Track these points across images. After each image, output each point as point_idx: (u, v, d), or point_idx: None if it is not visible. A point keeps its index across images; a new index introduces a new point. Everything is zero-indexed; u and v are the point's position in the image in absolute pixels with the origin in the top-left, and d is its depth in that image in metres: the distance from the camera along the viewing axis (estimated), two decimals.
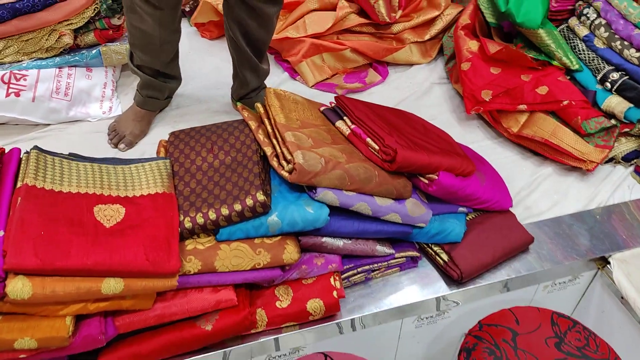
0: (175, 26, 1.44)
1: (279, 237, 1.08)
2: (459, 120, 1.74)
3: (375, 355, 1.32)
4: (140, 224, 0.98)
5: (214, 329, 1.05)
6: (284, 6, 1.93)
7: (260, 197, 1.02)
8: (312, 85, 1.83)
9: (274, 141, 1.15)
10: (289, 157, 1.08)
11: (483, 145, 1.64)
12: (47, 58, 1.63)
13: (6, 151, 1.11)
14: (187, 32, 1.99)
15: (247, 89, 1.59)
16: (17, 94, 1.57)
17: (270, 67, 1.62)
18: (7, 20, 1.54)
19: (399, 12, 1.86)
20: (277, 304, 1.12)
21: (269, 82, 1.81)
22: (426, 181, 1.20)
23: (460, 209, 1.28)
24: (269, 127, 1.19)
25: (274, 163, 1.11)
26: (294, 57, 1.84)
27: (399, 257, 1.23)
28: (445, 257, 1.24)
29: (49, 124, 1.64)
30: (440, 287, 1.23)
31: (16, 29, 1.56)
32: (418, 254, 1.25)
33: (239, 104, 1.28)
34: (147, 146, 1.59)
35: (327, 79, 1.85)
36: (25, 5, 1.54)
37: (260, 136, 1.17)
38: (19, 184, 0.99)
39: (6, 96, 1.56)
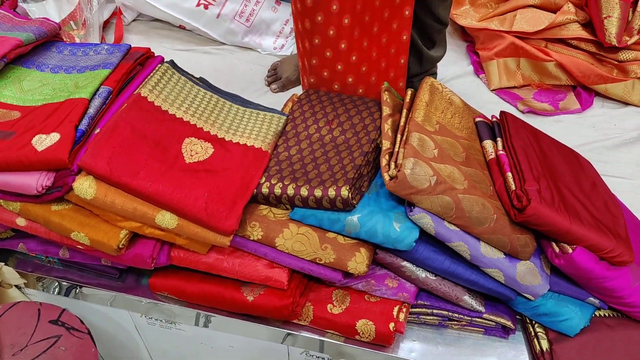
0: None
1: (354, 241, 0.96)
2: None
3: None
4: (217, 172, 0.94)
5: (254, 302, 0.99)
6: None
7: (344, 192, 0.90)
8: (494, 90, 1.59)
9: (398, 137, 1.01)
10: (400, 160, 0.93)
11: None
12: None
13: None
14: None
15: (408, 73, 1.43)
16: (206, 7, 1.63)
17: (445, 53, 1.43)
18: None
19: (635, 38, 1.49)
20: (329, 307, 1.01)
21: (448, 70, 1.63)
22: (556, 250, 0.96)
23: (591, 299, 1.01)
24: (402, 120, 1.05)
25: (383, 160, 0.97)
26: (486, 52, 1.61)
27: (488, 320, 1.02)
28: (545, 345, 1.00)
29: (224, 44, 1.69)
30: None
31: None
32: (513, 326, 1.02)
33: (385, 84, 1.15)
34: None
35: (514, 87, 1.59)
36: None
37: (386, 126, 1.03)
38: (136, 91, 1.01)
39: (196, 5, 1.63)
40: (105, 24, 1.71)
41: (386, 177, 0.93)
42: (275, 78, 1.57)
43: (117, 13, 1.71)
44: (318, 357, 1.11)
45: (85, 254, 1.05)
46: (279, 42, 1.69)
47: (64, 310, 1.08)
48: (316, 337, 1.04)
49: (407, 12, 1.15)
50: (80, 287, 1.13)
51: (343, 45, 1.13)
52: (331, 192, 0.91)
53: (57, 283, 1.15)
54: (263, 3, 1.67)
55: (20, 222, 0.96)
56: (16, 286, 1.16)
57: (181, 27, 1.71)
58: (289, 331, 1.04)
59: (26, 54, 1.09)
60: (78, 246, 0.97)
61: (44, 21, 1.13)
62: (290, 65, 1.57)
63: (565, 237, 0.94)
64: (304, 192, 0.93)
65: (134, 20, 1.75)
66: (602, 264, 0.96)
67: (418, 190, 0.90)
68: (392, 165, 0.94)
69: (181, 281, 1.04)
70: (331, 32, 1.11)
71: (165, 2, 1.63)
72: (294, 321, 1.03)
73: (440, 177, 0.92)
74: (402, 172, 0.89)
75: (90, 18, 1.60)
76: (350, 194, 0.90)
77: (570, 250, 0.93)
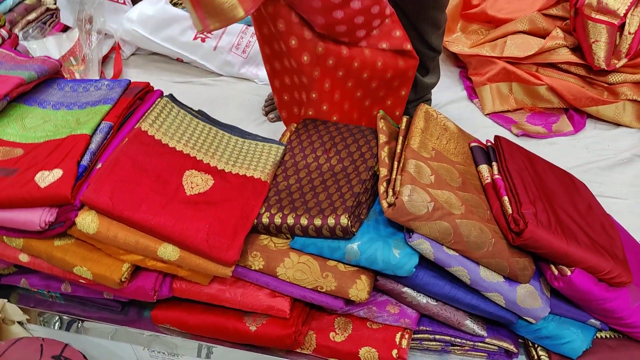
0: None
1: (355, 268, 0.96)
2: None
3: None
4: (217, 203, 0.95)
5: (256, 332, 0.99)
6: (490, 20, 1.73)
7: (344, 220, 0.91)
8: (487, 114, 1.61)
9: (395, 164, 1.02)
10: (397, 187, 0.95)
11: None
12: None
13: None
14: None
15: None
16: (203, 40, 1.67)
17: (439, 79, 1.46)
18: None
19: (623, 61, 1.52)
20: (331, 335, 1.01)
21: (442, 96, 1.65)
22: (555, 272, 0.96)
23: (592, 320, 1.01)
24: (399, 147, 1.07)
25: (381, 187, 0.98)
26: (478, 77, 1.64)
27: (490, 344, 1.03)
28: None
29: (221, 75, 1.72)
30: None
31: None
32: (515, 350, 1.03)
33: (380, 112, 1.17)
34: None
35: (507, 111, 1.62)
36: None
37: (383, 154, 1.05)
38: (136, 125, 1.03)
39: (194, 39, 1.67)
40: (105, 59, 1.74)
41: (384, 204, 0.94)
42: (273, 107, 1.59)
43: (115, 48, 1.74)
44: None
45: (88, 288, 1.06)
46: None
47: (66, 345, 1.07)
48: None
49: (403, 93, 1.19)
50: (82, 321, 1.13)
51: (335, 118, 1.20)
52: (330, 221, 0.92)
53: (58, 318, 1.15)
54: None
55: (23, 258, 0.97)
56: (18, 322, 1.15)
57: (179, 60, 1.75)
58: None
59: (28, 92, 1.10)
60: (81, 280, 0.97)
61: (45, 59, 1.16)
62: None
63: (563, 260, 0.95)
64: (303, 221, 0.94)
65: (132, 54, 1.79)
66: (601, 285, 0.96)
67: (416, 216, 0.91)
68: (390, 192, 0.96)
69: (183, 313, 1.04)
70: (325, 108, 1.18)
71: (164, 37, 1.67)
72: (297, 350, 1.03)
73: (437, 203, 0.93)
74: (399, 199, 0.91)
75: (89, 54, 1.63)
76: (349, 222, 0.92)
77: (568, 273, 0.94)
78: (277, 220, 0.96)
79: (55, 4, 1.72)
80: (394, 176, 1.00)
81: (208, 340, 1.06)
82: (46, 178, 0.89)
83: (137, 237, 0.90)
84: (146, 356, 1.18)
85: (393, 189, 0.96)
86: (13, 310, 1.12)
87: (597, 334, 1.03)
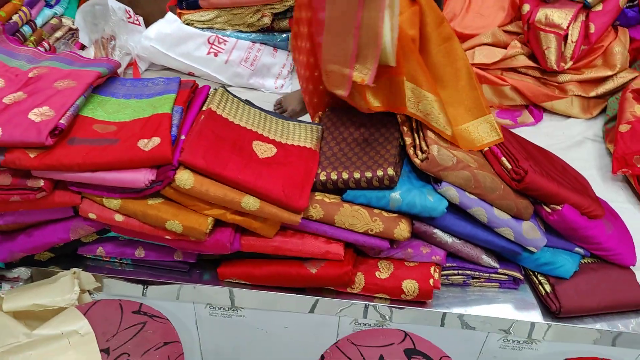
0: None
1: (396, 214, 1.18)
2: (604, 179, 1.71)
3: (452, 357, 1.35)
4: (285, 164, 1.15)
5: (317, 273, 1.18)
6: (459, 36, 2.05)
7: (390, 171, 1.14)
8: None
9: (415, 135, 1.27)
10: (424, 148, 1.19)
11: (623, 207, 1.58)
12: (245, 32, 1.93)
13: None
14: None
15: None
16: (215, 55, 1.88)
17: None
18: None
19: (569, 64, 1.88)
20: (377, 273, 1.22)
21: None
22: (549, 210, 1.23)
23: (577, 249, 1.28)
24: (414, 124, 1.31)
25: (410, 151, 1.22)
26: None
27: (502, 274, 1.27)
28: (548, 288, 1.25)
29: (230, 85, 1.93)
30: (535, 316, 1.24)
31: (231, 2, 1.87)
32: (521, 277, 1.27)
33: None
34: None
35: None
36: None
37: (405, 128, 1.29)
38: (204, 108, 1.22)
39: (207, 54, 1.87)
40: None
41: (417, 161, 1.18)
42: (282, 111, 1.81)
43: (132, 64, 1.91)
44: (364, 325, 1.30)
45: (160, 251, 1.22)
46: (279, 82, 1.95)
47: (141, 303, 1.21)
48: (361, 302, 1.23)
49: None
50: (147, 286, 1.27)
51: None
52: (379, 172, 1.15)
53: (125, 284, 1.28)
54: (264, 50, 1.94)
55: (118, 217, 1.12)
56: (87, 291, 1.28)
57: (190, 74, 1.94)
58: (323, 298, 1.23)
59: (99, 85, 1.27)
60: (166, 237, 1.13)
61: (109, 59, 1.33)
62: (293, 100, 1.82)
63: (553, 199, 1.22)
64: (356, 175, 1.16)
65: (146, 69, 1.96)
66: (583, 217, 1.24)
67: (445, 167, 1.15)
68: (419, 152, 1.20)
69: (248, 267, 1.22)
70: None
71: (180, 52, 1.86)
72: (348, 290, 1.22)
73: (458, 158, 1.18)
74: (431, 154, 1.15)
75: None
76: (395, 172, 1.14)
77: (559, 208, 1.21)
78: (334, 176, 1.17)
79: (74, 24, 1.88)
80: (417, 142, 1.24)
81: (268, 289, 1.23)
82: (147, 144, 1.07)
83: (224, 190, 1.08)
84: (206, 315, 1.33)
85: (421, 150, 1.20)
86: (86, 279, 1.25)
87: (582, 260, 1.30)
